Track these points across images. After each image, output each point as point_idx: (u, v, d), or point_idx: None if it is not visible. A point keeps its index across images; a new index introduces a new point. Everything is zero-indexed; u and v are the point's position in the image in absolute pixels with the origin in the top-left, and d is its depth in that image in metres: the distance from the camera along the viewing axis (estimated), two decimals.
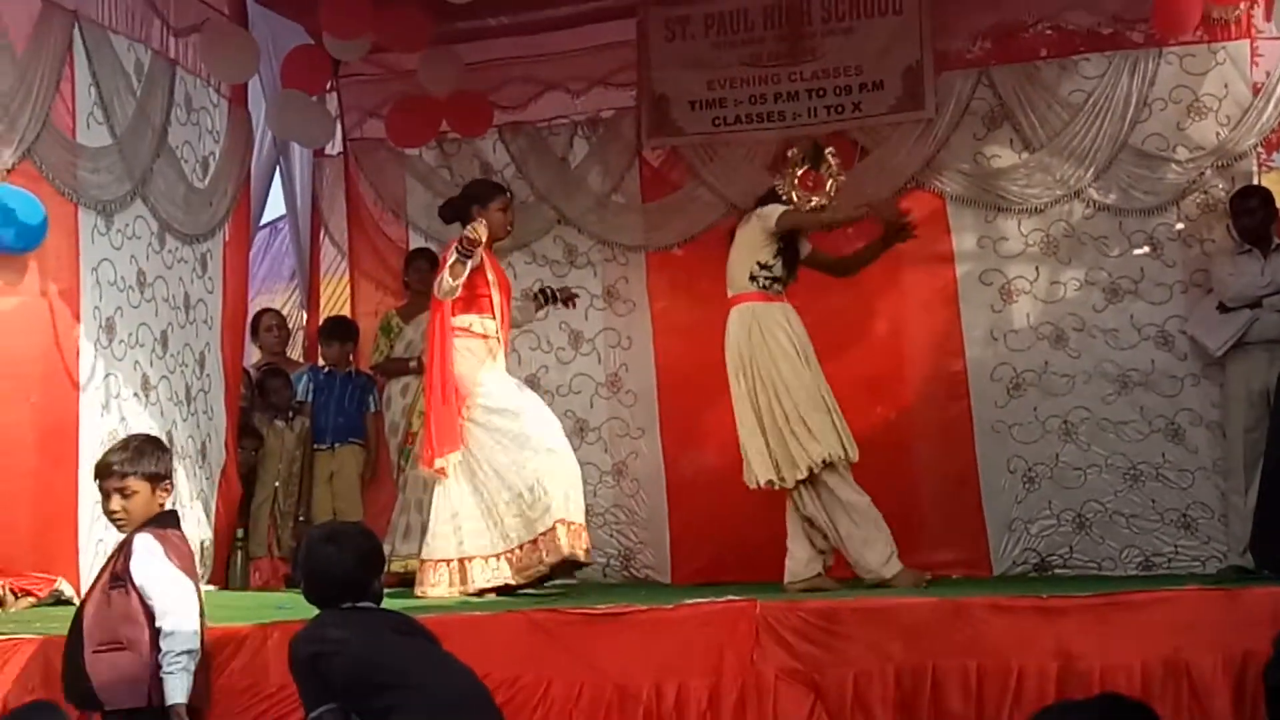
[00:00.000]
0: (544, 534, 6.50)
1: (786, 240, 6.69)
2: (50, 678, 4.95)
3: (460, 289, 6.67)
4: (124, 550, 4.59)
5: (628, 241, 8.55)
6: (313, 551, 4.28)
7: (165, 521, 4.70)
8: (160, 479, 4.70)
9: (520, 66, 8.81)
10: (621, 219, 8.61)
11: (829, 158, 6.73)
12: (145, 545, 4.55)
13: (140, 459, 4.69)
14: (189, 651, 4.47)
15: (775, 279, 6.66)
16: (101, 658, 4.48)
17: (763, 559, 6.68)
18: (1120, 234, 7.72)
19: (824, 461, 6.39)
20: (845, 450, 6.47)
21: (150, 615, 4.48)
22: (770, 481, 6.46)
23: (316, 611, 4.23)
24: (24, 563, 6.41)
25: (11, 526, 6.36)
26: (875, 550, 6.35)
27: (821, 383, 6.58)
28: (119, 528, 4.71)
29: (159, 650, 4.45)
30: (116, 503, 4.67)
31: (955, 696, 4.72)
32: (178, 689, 4.43)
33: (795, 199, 6.64)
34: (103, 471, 4.72)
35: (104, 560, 6.64)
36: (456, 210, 7.08)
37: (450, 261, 6.61)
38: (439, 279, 6.68)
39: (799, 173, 6.69)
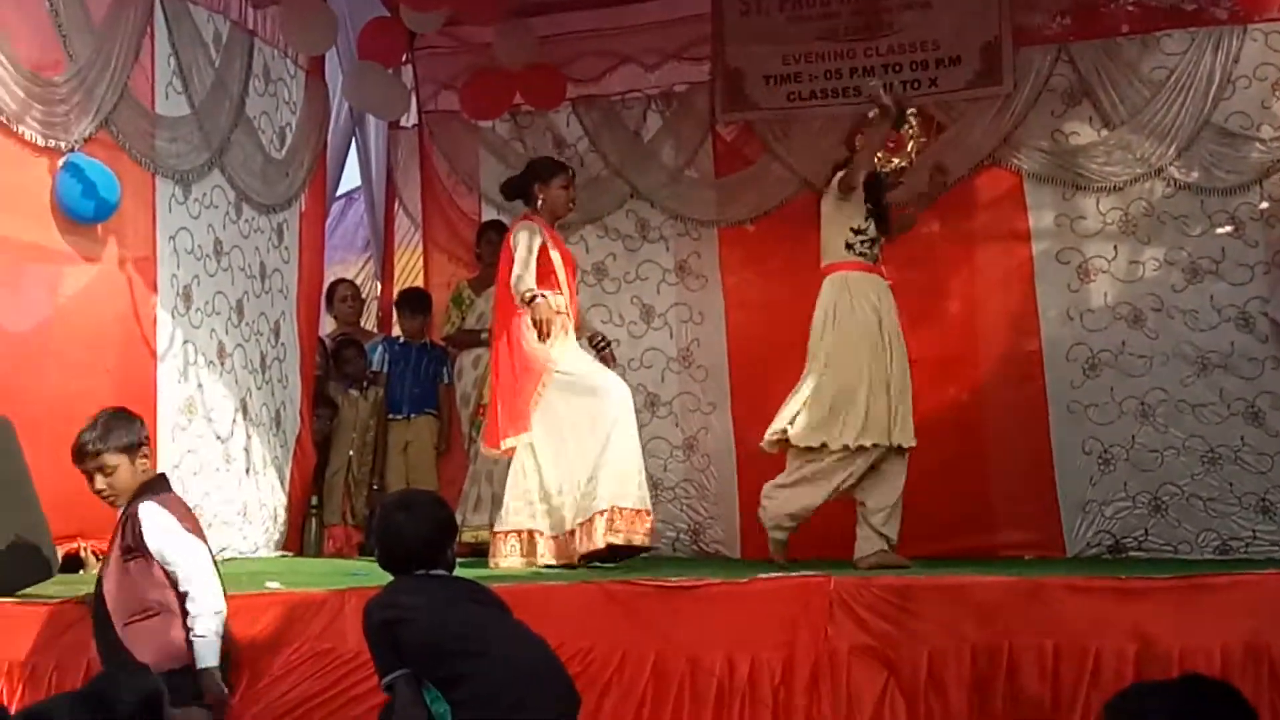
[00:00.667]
0: (583, 524, 6.48)
1: (872, 200, 6.62)
2: None
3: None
4: (129, 522, 4.57)
5: (700, 216, 8.53)
6: (387, 519, 4.31)
7: (157, 486, 4.69)
8: (135, 448, 4.66)
9: (594, 40, 8.81)
10: (694, 193, 8.59)
11: (910, 119, 6.68)
12: (151, 513, 4.53)
13: (110, 433, 4.65)
14: (217, 613, 4.50)
15: (871, 240, 6.62)
16: (136, 628, 4.49)
17: (832, 536, 6.65)
18: (1201, 213, 7.61)
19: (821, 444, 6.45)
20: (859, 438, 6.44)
21: (173, 579, 4.51)
22: (775, 434, 6.52)
23: (390, 578, 4.26)
24: (106, 526, 6.47)
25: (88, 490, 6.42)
26: None
27: (892, 367, 6.51)
28: (111, 504, 4.70)
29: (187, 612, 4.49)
30: (100, 481, 4.66)
31: (1031, 677, 4.65)
32: (209, 653, 4.45)
33: (877, 160, 6.59)
34: (78, 454, 4.69)
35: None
36: (518, 187, 7.09)
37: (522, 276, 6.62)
38: (515, 277, 6.65)
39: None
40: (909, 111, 6.74)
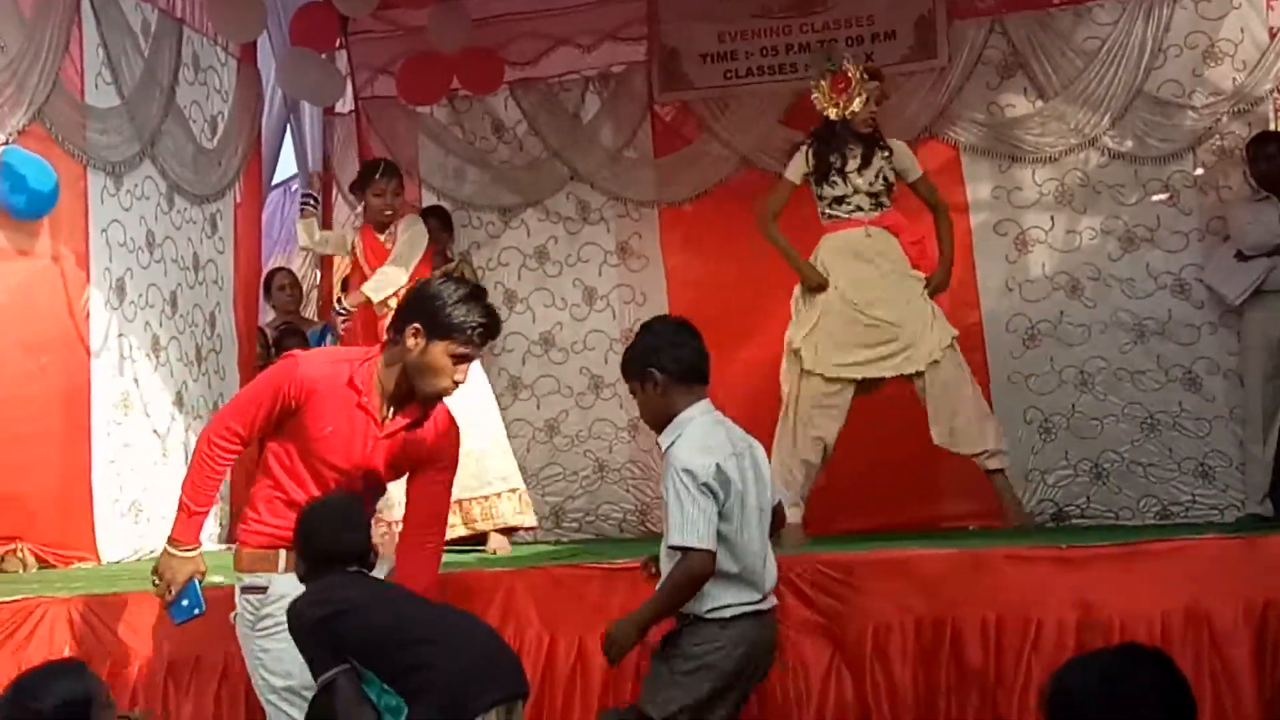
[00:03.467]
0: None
1: (815, 166, 6.59)
2: (77, 638, 5.00)
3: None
4: None
5: (640, 197, 8.52)
6: (319, 518, 4.25)
7: None
8: None
9: (530, 21, 8.75)
10: (634, 174, 8.58)
11: (848, 60, 6.66)
12: None
13: None
14: None
15: (836, 199, 6.56)
16: None
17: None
18: (1136, 182, 7.66)
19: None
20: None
21: None
22: None
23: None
24: (44, 525, 6.44)
25: (31, 490, 6.38)
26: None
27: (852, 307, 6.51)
28: None
29: None
30: None
31: (975, 648, 4.69)
32: None
33: (832, 109, 6.54)
34: None
35: (121, 521, 6.73)
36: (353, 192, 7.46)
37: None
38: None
39: (825, 83, 6.59)
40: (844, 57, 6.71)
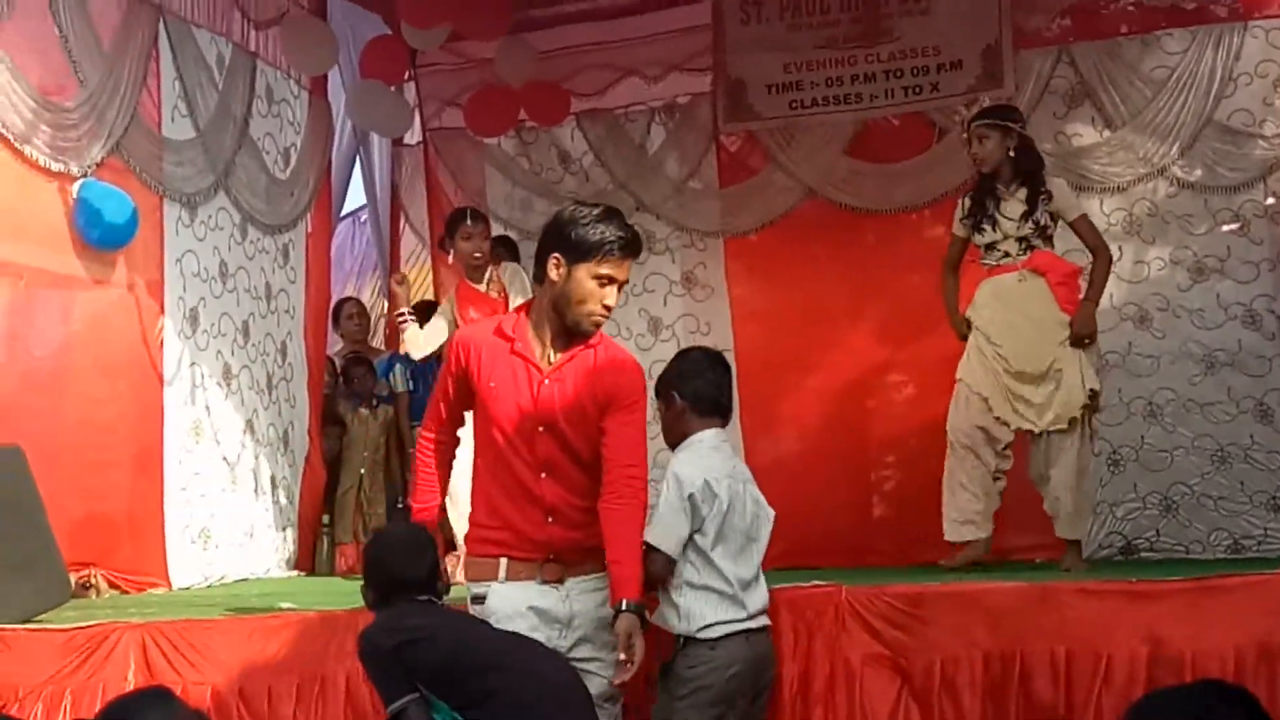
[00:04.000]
0: None
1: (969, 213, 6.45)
2: (151, 663, 5.06)
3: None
4: None
5: (705, 227, 8.55)
6: (388, 548, 4.29)
7: None
8: None
9: (596, 53, 8.83)
10: (699, 205, 8.61)
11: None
12: None
13: None
14: None
15: (987, 247, 6.40)
16: None
17: (843, 545, 6.66)
18: (1205, 211, 7.61)
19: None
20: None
21: None
22: None
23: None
24: (117, 551, 6.53)
25: (104, 516, 6.48)
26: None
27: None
28: None
29: None
30: None
31: (1044, 682, 4.66)
32: None
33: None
34: None
35: (191, 547, 6.82)
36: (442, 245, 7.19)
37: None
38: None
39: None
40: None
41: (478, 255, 6.77)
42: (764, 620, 4.43)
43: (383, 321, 9.57)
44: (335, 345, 8.98)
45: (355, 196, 9.71)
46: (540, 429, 4.12)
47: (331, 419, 8.44)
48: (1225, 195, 7.58)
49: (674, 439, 4.49)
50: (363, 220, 9.95)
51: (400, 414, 8.47)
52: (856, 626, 4.86)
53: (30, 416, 6.05)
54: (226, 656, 5.11)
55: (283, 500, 7.81)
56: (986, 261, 6.41)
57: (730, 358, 8.20)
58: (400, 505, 8.40)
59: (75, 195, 6.31)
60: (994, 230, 6.31)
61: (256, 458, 7.56)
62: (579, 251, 4.04)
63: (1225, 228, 7.59)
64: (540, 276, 4.11)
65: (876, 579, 5.65)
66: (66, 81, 6.35)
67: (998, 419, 6.30)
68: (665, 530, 4.24)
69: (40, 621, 5.39)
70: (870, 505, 7.30)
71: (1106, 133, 7.83)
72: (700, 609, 4.25)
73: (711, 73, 8.58)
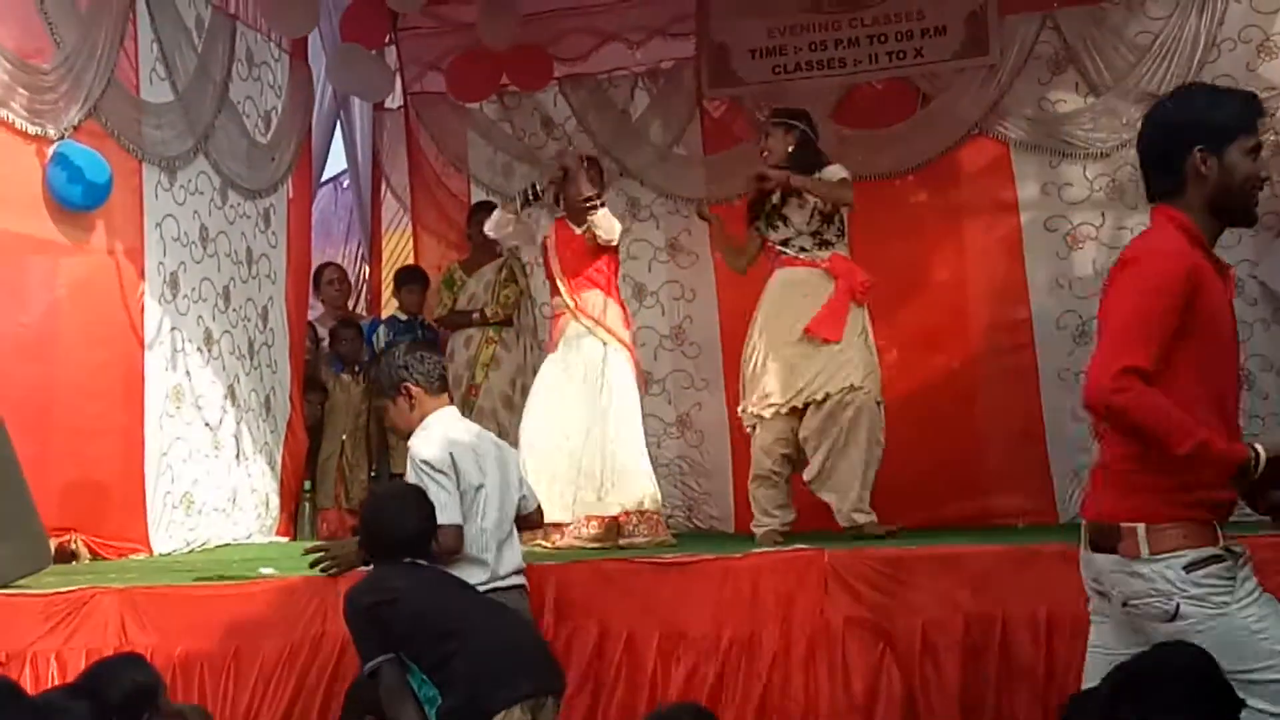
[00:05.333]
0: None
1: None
2: (129, 628, 5.05)
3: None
4: None
5: (690, 194, 8.48)
6: (378, 508, 4.35)
7: None
8: None
9: (578, 18, 8.77)
10: (683, 171, 8.58)
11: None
12: None
13: None
14: None
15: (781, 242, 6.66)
16: None
17: (826, 510, 6.64)
18: None
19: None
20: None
21: None
22: None
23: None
24: (98, 516, 6.51)
25: (86, 482, 6.45)
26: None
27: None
28: None
29: None
30: None
31: (1024, 644, 4.69)
32: None
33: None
34: None
35: (173, 513, 6.80)
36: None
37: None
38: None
39: None
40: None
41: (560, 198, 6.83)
42: (516, 580, 4.64)
43: (364, 287, 9.54)
44: (315, 311, 8.93)
45: (336, 161, 9.67)
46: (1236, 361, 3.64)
47: (313, 385, 8.41)
48: None
49: (412, 424, 4.70)
50: (344, 185, 9.90)
51: None
52: (838, 589, 4.89)
53: (12, 383, 6.01)
54: (207, 621, 5.12)
55: (264, 466, 7.79)
56: (786, 252, 6.58)
57: (715, 324, 8.35)
58: (374, 474, 8.40)
59: (53, 157, 6.25)
60: (785, 227, 6.55)
61: (238, 423, 7.53)
62: (1223, 134, 3.38)
63: None
64: (1175, 185, 3.40)
65: (856, 543, 5.68)
66: (43, 44, 6.27)
67: None
68: (449, 509, 4.45)
69: (20, 587, 5.37)
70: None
71: (1090, 98, 7.81)
72: (455, 571, 4.42)
73: (695, 38, 8.53)
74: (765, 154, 6.65)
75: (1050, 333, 7.78)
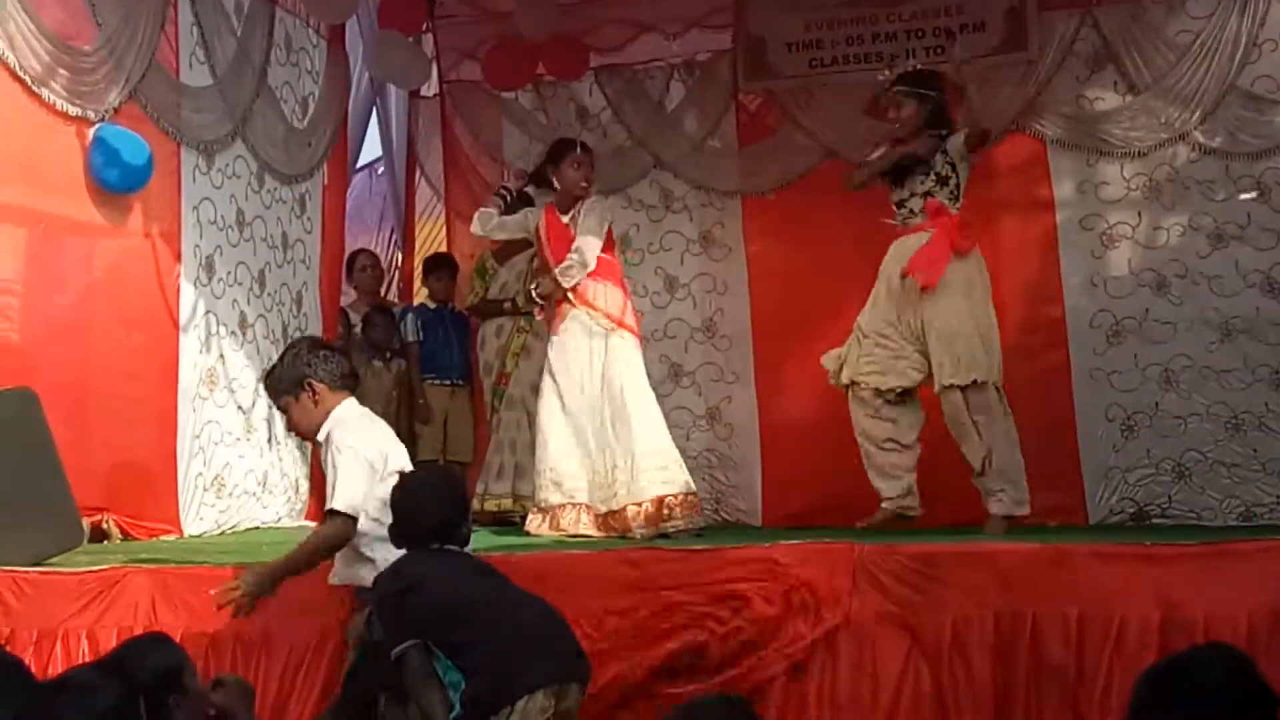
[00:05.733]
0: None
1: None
2: (159, 608, 5.08)
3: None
4: None
5: (723, 187, 8.48)
6: (407, 495, 4.35)
7: None
8: None
9: (616, 8, 8.75)
10: (717, 164, 8.55)
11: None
12: None
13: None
14: None
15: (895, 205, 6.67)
16: None
17: (855, 507, 6.63)
18: (1226, 178, 7.54)
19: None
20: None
21: None
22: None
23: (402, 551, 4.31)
24: (130, 497, 6.55)
25: (119, 463, 6.49)
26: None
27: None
28: None
29: None
30: None
31: (1055, 643, 4.67)
32: None
33: None
34: None
35: (205, 495, 6.83)
36: (534, 177, 7.19)
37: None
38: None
39: None
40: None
41: (584, 184, 6.86)
42: None
43: (397, 274, 9.56)
44: (348, 297, 8.95)
45: (371, 148, 9.69)
46: None
47: None
48: (1247, 162, 7.51)
49: (316, 420, 4.74)
50: (379, 172, 9.92)
51: (411, 365, 8.47)
52: (868, 585, 4.88)
53: (50, 363, 6.08)
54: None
55: (295, 451, 7.81)
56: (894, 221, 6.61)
57: (746, 317, 8.34)
58: None
59: (92, 138, 6.28)
60: (901, 189, 6.55)
61: (270, 408, 7.53)
62: None
63: (1245, 195, 7.52)
64: None
65: (889, 539, 5.66)
66: (84, 25, 6.31)
67: None
68: (349, 494, 4.48)
69: (52, 565, 5.41)
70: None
71: (1129, 97, 7.76)
72: (384, 557, 4.41)
73: (732, 30, 8.51)
74: (897, 124, 6.62)
75: (1084, 332, 7.74)
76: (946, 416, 6.44)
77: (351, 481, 4.50)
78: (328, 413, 4.72)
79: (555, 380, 6.75)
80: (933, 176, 6.49)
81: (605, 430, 6.62)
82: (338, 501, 4.49)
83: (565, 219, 6.88)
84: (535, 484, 6.81)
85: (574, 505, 6.62)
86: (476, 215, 7.20)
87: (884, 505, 6.47)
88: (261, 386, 7.33)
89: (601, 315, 6.74)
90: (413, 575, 4.16)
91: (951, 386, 6.34)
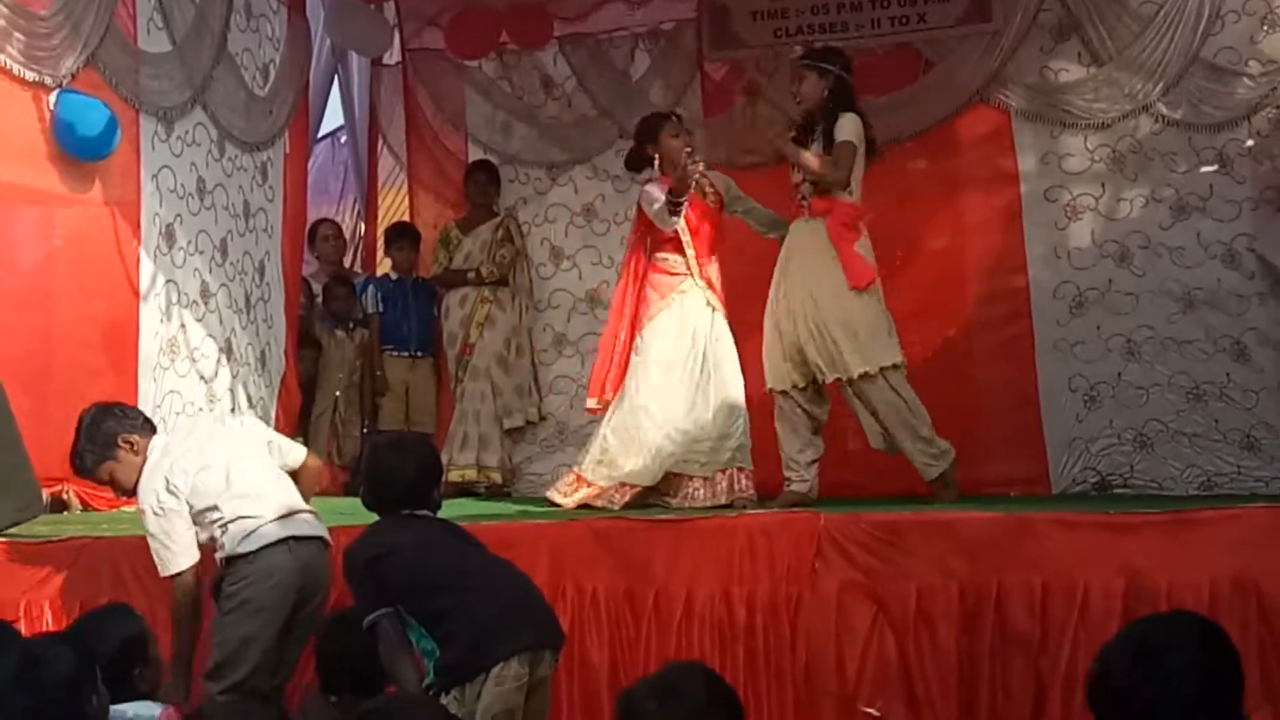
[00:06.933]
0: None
1: None
2: (118, 579, 5.04)
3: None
4: None
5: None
6: (377, 458, 4.35)
7: None
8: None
9: None
10: None
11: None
12: None
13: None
14: None
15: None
16: None
17: (820, 478, 6.64)
18: (1189, 150, 7.56)
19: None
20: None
21: None
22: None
23: (374, 518, 4.29)
24: None
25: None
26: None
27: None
28: None
29: None
30: None
31: (1020, 612, 4.71)
32: None
33: None
34: None
35: None
36: (633, 160, 7.03)
37: (657, 210, 6.55)
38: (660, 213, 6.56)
39: None
40: None
41: (688, 150, 6.65)
42: (310, 530, 4.74)
43: (360, 244, 9.50)
44: (310, 267, 8.89)
45: (334, 117, 9.61)
46: None
47: (307, 341, 8.38)
48: (1209, 134, 7.52)
49: (140, 469, 4.73)
50: (341, 141, 9.84)
51: (372, 336, 8.43)
52: (833, 554, 4.90)
53: (9, 332, 6.02)
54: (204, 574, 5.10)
55: (259, 419, 7.75)
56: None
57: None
58: (367, 429, 8.38)
59: (52, 105, 6.21)
60: (794, 172, 6.56)
61: (234, 377, 7.49)
62: None
63: (1207, 167, 7.53)
64: None
65: (851, 509, 5.68)
66: None
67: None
68: (167, 557, 4.63)
69: (12, 535, 5.37)
70: (846, 437, 7.29)
71: (1092, 68, 7.76)
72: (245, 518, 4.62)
73: None
74: (798, 99, 6.63)
75: (1047, 302, 7.75)
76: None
77: (163, 543, 4.62)
78: (145, 459, 4.75)
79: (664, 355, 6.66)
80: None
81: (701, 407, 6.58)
82: (163, 570, 4.63)
83: (704, 197, 6.80)
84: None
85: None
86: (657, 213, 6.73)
87: None
88: (224, 356, 7.35)
89: (716, 296, 6.76)
90: (383, 542, 4.14)
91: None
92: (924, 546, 4.91)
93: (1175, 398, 7.51)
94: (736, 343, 6.72)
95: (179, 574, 4.61)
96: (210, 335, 7.31)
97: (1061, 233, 7.80)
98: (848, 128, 6.42)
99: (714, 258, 6.78)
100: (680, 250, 6.67)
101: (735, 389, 6.58)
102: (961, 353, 7.86)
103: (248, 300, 7.68)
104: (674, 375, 6.52)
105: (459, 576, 4.07)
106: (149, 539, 4.65)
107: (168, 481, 4.64)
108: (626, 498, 6.35)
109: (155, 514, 4.62)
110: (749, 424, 6.59)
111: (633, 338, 6.67)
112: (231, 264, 7.55)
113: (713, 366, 6.58)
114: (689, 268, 6.67)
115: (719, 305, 6.72)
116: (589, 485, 6.45)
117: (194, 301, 7.21)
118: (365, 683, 4.21)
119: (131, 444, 4.74)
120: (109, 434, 4.74)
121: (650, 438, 6.41)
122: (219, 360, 7.38)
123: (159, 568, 4.63)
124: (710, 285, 6.71)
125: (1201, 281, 7.50)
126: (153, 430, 4.85)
